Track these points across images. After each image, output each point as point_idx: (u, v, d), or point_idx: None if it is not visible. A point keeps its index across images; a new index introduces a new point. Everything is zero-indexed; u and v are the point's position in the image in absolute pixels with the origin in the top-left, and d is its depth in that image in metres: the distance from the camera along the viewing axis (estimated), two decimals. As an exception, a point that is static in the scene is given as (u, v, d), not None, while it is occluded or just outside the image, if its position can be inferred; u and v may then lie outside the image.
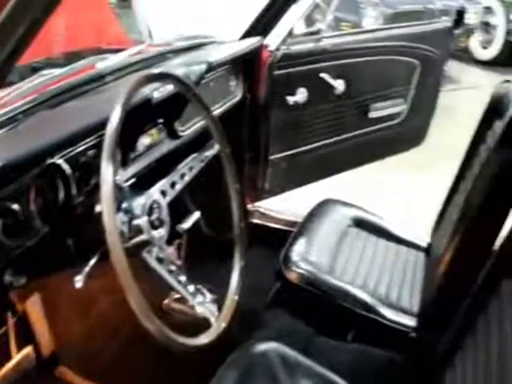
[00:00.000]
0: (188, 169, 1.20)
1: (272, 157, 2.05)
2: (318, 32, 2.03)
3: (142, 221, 1.02)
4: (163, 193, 1.12)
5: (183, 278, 1.09)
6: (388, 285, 1.57)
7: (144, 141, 1.33)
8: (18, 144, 0.98)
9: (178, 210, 1.18)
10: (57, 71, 1.32)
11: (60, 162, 1.04)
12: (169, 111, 1.38)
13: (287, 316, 1.53)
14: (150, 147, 1.35)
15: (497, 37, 6.11)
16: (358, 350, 1.38)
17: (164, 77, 1.15)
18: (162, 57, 1.55)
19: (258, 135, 1.99)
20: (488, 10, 6.11)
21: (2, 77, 0.87)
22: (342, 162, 2.32)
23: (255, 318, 1.39)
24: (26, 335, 1.34)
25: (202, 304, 1.11)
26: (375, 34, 2.23)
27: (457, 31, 5.51)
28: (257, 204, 2.17)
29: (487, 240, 1.09)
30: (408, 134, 2.49)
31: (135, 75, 1.06)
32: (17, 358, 1.29)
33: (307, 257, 1.58)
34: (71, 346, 1.46)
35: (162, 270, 1.06)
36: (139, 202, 1.04)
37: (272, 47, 1.88)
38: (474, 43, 6.27)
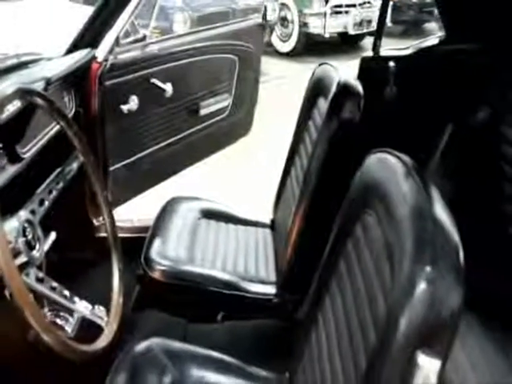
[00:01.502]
0: (55, 183, 1.22)
1: (111, 168, 2.06)
2: (143, 39, 2.10)
3: (19, 243, 1.03)
4: (33, 212, 1.13)
5: (67, 293, 1.12)
6: (245, 262, 1.72)
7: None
8: None
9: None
10: None
11: None
12: (9, 134, 1.35)
13: (157, 313, 1.60)
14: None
15: (293, 30, 6.67)
16: (231, 326, 1.51)
17: (26, 93, 1.15)
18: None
19: (96, 148, 1.99)
20: (284, 5, 6.64)
21: None
22: (178, 162, 2.41)
23: (127, 321, 1.43)
24: None
25: (91, 312, 1.15)
26: (195, 36, 2.35)
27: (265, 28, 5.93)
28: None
29: (329, 208, 1.24)
30: (235, 126, 2.68)
31: None
32: None
33: (166, 254, 1.66)
34: None
35: (44, 289, 1.08)
36: (11, 226, 1.04)
37: (100, 58, 1.89)
38: (275, 37, 6.78)
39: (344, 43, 7.31)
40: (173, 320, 1.53)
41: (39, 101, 1.20)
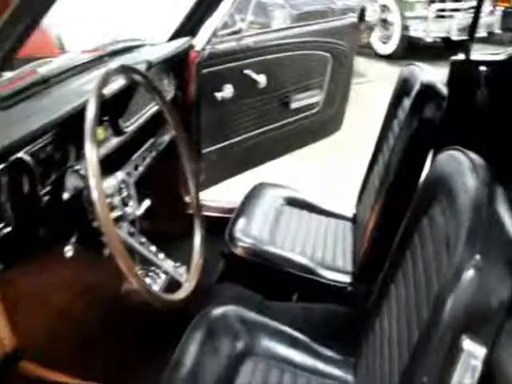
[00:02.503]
0: (148, 152, 1.33)
1: (204, 150, 2.19)
2: (239, 31, 2.19)
3: (115, 199, 1.14)
4: (128, 174, 1.25)
5: (153, 248, 1.22)
6: (323, 250, 1.76)
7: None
8: None
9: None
10: (4, 77, 1.39)
11: (24, 156, 1.13)
12: (114, 109, 1.49)
13: (237, 287, 1.67)
14: (98, 143, 1.45)
15: (394, 32, 6.57)
16: (305, 307, 1.55)
17: (127, 70, 1.27)
18: (99, 60, 1.65)
19: (190, 131, 2.11)
20: (385, 7, 6.56)
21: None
22: (269, 151, 2.49)
23: (209, 290, 1.52)
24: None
25: (173, 268, 1.24)
26: (291, 31, 2.41)
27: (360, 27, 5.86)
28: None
29: (404, 202, 1.27)
30: (326, 122, 2.71)
31: (101, 70, 1.17)
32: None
33: (249, 232, 1.74)
34: (33, 341, 1.51)
35: (134, 242, 1.18)
36: (110, 183, 1.16)
37: (198, 47, 2.01)
38: (375, 39, 6.71)
39: (448, 49, 7.09)
40: (250, 294, 1.60)
41: (139, 78, 1.31)
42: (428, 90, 1.44)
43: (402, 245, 1.13)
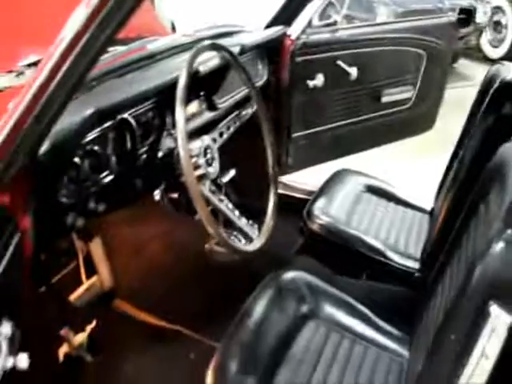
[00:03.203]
0: (232, 122, 1.47)
1: (294, 135, 2.30)
2: (334, 24, 2.28)
3: (200, 159, 1.29)
4: (214, 140, 1.39)
5: (231, 206, 1.35)
6: (397, 237, 1.82)
7: (188, 109, 1.59)
8: (98, 101, 1.24)
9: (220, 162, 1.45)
10: (117, 50, 1.59)
11: (129, 117, 1.31)
12: (210, 85, 1.64)
13: (311, 260, 1.77)
14: (193, 115, 1.61)
15: (507, 36, 6.31)
16: (373, 286, 1.62)
17: (218, 48, 1.42)
18: (200, 41, 1.81)
19: (282, 114, 2.23)
20: (498, 9, 6.31)
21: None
22: (358, 142, 2.55)
23: (285, 260, 1.63)
24: (92, 269, 1.62)
25: (247, 224, 1.38)
26: (386, 27, 2.47)
27: (466, 30, 5.70)
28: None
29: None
30: (418, 119, 2.72)
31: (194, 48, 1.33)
32: (86, 283, 1.57)
33: (327, 212, 1.83)
34: (127, 283, 1.72)
35: (214, 199, 1.33)
36: (196, 145, 1.32)
37: (293, 36, 2.12)
38: (485, 42, 6.48)
39: None
40: (322, 267, 1.69)
41: (228, 56, 1.45)
42: (507, 86, 1.45)
43: (460, 230, 1.19)
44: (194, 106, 1.60)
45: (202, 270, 1.79)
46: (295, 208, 2.03)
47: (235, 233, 1.41)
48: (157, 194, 1.37)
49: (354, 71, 2.31)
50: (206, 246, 1.69)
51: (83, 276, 1.58)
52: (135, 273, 1.75)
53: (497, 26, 6.40)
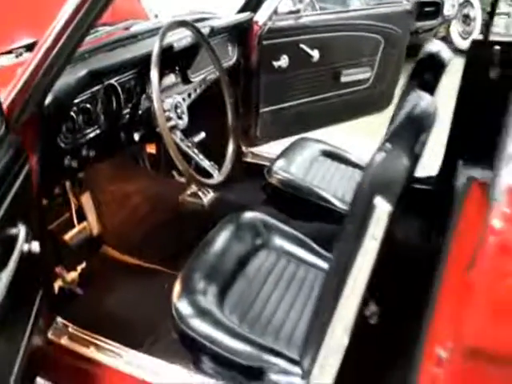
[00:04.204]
0: (199, 85, 1.77)
1: (261, 110, 2.59)
2: (297, 11, 2.58)
3: (171, 113, 1.59)
4: (183, 99, 1.70)
5: (196, 151, 1.66)
6: (344, 190, 2.11)
7: (165, 81, 1.89)
8: (90, 66, 1.54)
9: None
10: (104, 30, 1.88)
11: (115, 83, 1.60)
12: (184, 60, 1.93)
13: (272, 210, 2.06)
14: (168, 87, 1.90)
15: (475, 28, 6.66)
16: (319, 225, 1.92)
17: (186, 24, 1.72)
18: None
19: (250, 92, 2.53)
20: (467, 2, 6.65)
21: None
22: (319, 119, 2.84)
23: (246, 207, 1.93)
24: (83, 218, 1.92)
25: (209, 165, 1.69)
26: (345, 14, 2.77)
27: (434, 21, 6.00)
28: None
29: None
30: (376, 98, 3.02)
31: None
32: (78, 227, 1.87)
33: (285, 169, 2.13)
34: (112, 231, 2.02)
35: (183, 145, 1.63)
36: (168, 102, 1.62)
37: (261, 22, 2.42)
38: (455, 33, 6.81)
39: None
40: (278, 213, 1.97)
41: (194, 31, 1.75)
42: (426, 58, 1.75)
43: None
44: (169, 79, 1.89)
45: (177, 218, 2.09)
46: (262, 173, 2.33)
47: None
48: (136, 136, 1.66)
49: (315, 53, 2.60)
50: (179, 197, 1.99)
51: (75, 222, 1.88)
52: (119, 222, 2.04)
53: (466, 18, 6.74)
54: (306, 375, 1.23)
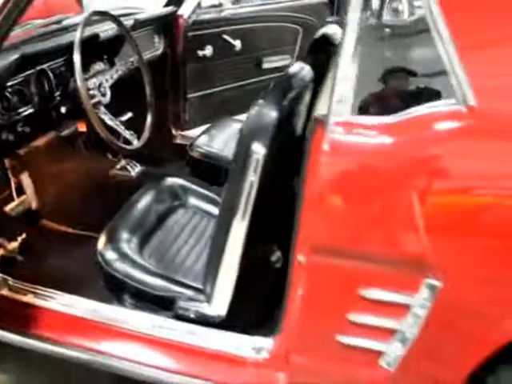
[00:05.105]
0: (121, 68, 2.04)
1: (189, 96, 2.85)
2: (219, 5, 2.86)
3: (95, 91, 1.85)
4: (106, 80, 1.95)
5: (118, 122, 1.92)
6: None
7: (94, 67, 2.13)
8: (23, 51, 1.76)
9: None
10: (36, 22, 2.12)
11: (47, 69, 1.85)
12: (112, 48, 2.18)
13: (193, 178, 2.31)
14: (97, 72, 2.14)
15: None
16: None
17: (106, 15, 1.96)
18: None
19: (179, 79, 2.78)
20: (396, -3, 7.06)
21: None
22: (244, 104, 3.08)
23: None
24: (22, 193, 2.14)
25: (130, 135, 1.94)
26: (265, 6, 3.05)
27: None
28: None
29: None
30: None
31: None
32: (17, 200, 2.08)
33: (205, 143, 2.40)
34: (50, 205, 2.24)
35: (106, 117, 1.88)
36: (92, 81, 1.87)
37: (185, 16, 2.69)
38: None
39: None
40: (197, 180, 2.21)
41: (112, 19, 2.02)
42: (318, 40, 2.04)
43: None
44: (98, 66, 2.14)
45: (108, 190, 2.33)
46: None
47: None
48: (62, 108, 1.91)
49: (238, 43, 2.88)
50: (110, 171, 2.23)
51: (15, 197, 2.09)
52: (55, 197, 2.24)
53: (394, 12, 7.14)
54: (208, 299, 1.50)
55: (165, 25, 2.63)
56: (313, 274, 1.23)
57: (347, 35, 1.15)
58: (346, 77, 1.15)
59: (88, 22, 1.83)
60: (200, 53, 2.78)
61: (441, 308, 1.13)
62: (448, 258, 1.10)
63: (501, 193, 1.07)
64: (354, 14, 1.16)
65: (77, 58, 1.74)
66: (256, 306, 1.57)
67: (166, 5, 2.70)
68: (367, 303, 1.18)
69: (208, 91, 2.93)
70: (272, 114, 1.33)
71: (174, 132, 2.88)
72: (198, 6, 2.74)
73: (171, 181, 1.99)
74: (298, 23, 3.12)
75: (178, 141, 2.89)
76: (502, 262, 1.07)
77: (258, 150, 1.33)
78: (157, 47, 2.64)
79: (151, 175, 2.13)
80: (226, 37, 2.85)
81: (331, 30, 2.13)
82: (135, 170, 2.21)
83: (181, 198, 1.96)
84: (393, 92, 1.51)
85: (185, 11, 2.69)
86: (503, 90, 1.08)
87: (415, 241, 1.10)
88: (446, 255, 1.10)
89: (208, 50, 2.80)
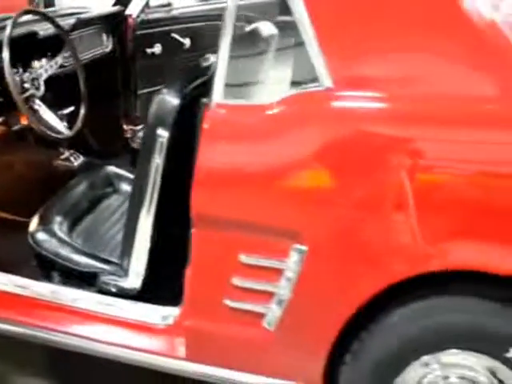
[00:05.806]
0: (55, 64, 2.16)
1: (139, 92, 2.98)
2: (168, 5, 3.00)
3: (28, 84, 1.98)
4: (40, 74, 2.08)
5: (52, 114, 2.05)
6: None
7: (37, 64, 2.26)
8: None
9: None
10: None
11: None
12: (52, 46, 2.30)
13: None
14: (41, 67, 2.26)
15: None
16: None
17: (34, 12, 2.10)
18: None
19: (129, 76, 2.91)
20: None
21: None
22: None
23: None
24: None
25: (64, 126, 2.07)
26: (215, 6, 3.18)
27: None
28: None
29: None
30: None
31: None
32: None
33: None
34: None
35: (41, 108, 2.01)
36: (27, 75, 2.01)
37: (134, 15, 2.82)
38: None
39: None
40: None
41: (43, 17, 2.15)
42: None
43: None
44: (40, 62, 2.27)
45: (50, 179, 2.44)
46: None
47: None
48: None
49: (187, 41, 3.01)
50: (53, 162, 2.37)
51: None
52: (2, 188, 2.38)
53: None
54: (125, 273, 1.65)
55: (113, 23, 2.76)
56: (201, 244, 1.37)
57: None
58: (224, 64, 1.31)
59: (18, 21, 1.95)
60: (149, 50, 2.90)
61: (309, 270, 1.27)
62: (311, 225, 1.25)
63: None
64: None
65: (5, 54, 1.86)
66: (171, 279, 1.72)
67: (114, 4, 2.83)
68: (247, 269, 1.33)
69: (158, 87, 3.03)
70: (173, 101, 1.48)
71: (125, 127, 3.01)
72: (147, 5, 2.87)
73: (108, 169, 2.13)
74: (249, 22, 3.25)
75: (129, 135, 3.02)
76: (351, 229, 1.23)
77: (163, 134, 1.48)
78: (105, 45, 2.77)
79: (93, 166, 2.26)
80: (175, 35, 2.98)
81: (263, 26, 2.27)
82: (78, 160, 2.33)
83: (115, 185, 2.10)
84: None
85: (133, 10, 2.82)
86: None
87: (283, 211, 1.25)
88: (309, 223, 1.25)
89: (157, 48, 2.93)
